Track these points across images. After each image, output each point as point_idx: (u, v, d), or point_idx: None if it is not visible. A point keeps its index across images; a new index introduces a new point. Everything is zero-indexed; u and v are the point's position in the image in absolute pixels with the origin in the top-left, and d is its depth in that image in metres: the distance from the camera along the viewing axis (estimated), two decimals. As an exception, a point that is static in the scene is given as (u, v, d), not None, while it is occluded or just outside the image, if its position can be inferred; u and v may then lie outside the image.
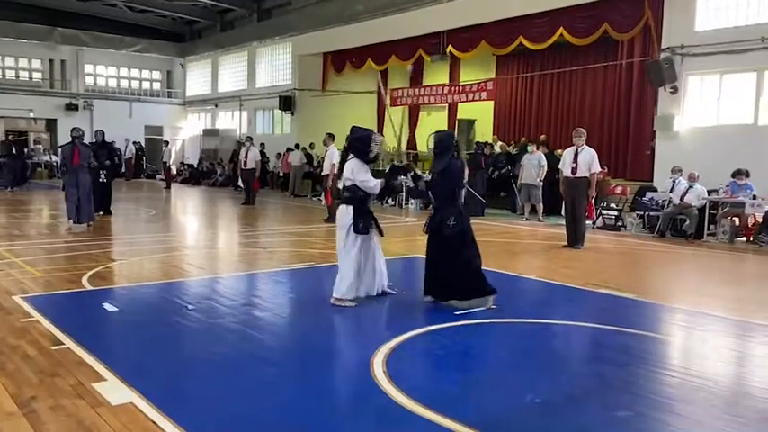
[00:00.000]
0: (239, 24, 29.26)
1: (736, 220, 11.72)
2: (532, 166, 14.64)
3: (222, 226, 14.02)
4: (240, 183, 19.80)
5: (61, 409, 3.62)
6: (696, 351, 5.27)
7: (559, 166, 10.93)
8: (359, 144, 6.15)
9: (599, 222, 13.43)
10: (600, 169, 11.09)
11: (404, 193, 13.82)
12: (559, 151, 14.72)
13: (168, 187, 23.57)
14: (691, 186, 12.12)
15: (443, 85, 21.42)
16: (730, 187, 11.94)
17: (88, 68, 30.69)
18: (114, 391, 3.90)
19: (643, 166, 16.04)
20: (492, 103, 22.24)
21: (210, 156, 27.79)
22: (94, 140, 14.39)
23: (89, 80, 30.74)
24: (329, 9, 22.66)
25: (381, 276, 6.42)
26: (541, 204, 14.68)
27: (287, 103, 24.23)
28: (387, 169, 6.63)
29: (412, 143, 23.81)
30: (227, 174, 25.04)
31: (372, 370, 4.35)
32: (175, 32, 32.34)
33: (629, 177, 16.60)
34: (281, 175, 23.13)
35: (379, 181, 6.12)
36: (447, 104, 22.50)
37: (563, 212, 11.54)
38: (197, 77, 31.89)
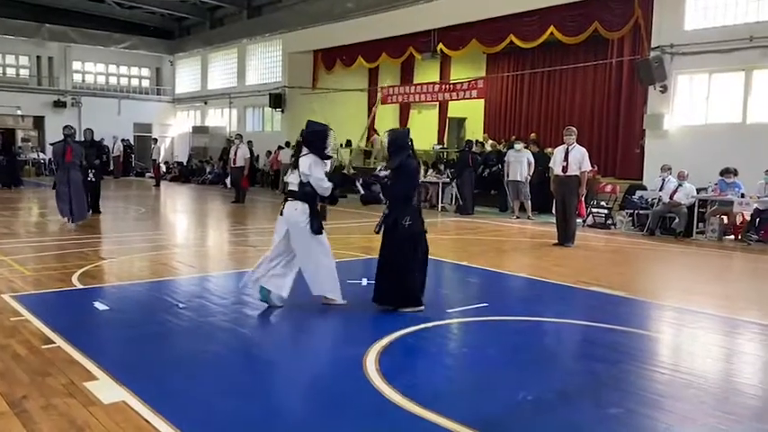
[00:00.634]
0: (229, 21, 29.14)
1: (725, 219, 11.81)
2: (519, 163, 14.67)
3: (212, 224, 13.98)
4: (227, 181, 19.75)
5: (53, 409, 3.61)
6: (685, 348, 5.31)
7: (550, 165, 10.97)
8: (316, 139, 5.86)
9: (589, 220, 13.49)
10: (590, 168, 11.14)
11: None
12: (550, 149, 14.77)
13: (157, 185, 23.46)
14: (680, 185, 12.20)
15: (434, 84, 21.46)
16: (719, 186, 12.03)
17: (76, 65, 30.47)
18: (106, 389, 3.89)
19: (633, 164, 16.13)
20: (482, 101, 22.31)
21: (200, 153, 27.68)
22: (83, 139, 14.29)
23: (77, 77, 30.52)
24: (319, 6, 22.61)
25: (291, 282, 5.94)
26: (529, 201, 14.72)
27: (277, 100, 24.17)
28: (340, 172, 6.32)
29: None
30: (216, 172, 24.95)
31: (365, 368, 4.35)
32: (165, 29, 32.15)
33: (619, 176, 16.70)
34: (271, 172, 23.08)
35: (330, 184, 5.84)
36: (437, 103, 22.53)
37: (554, 211, 11.59)
38: (186, 75, 31.73)
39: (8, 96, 27.43)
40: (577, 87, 19.56)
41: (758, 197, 11.49)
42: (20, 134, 29.26)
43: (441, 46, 19.14)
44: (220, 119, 29.12)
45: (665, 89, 14.22)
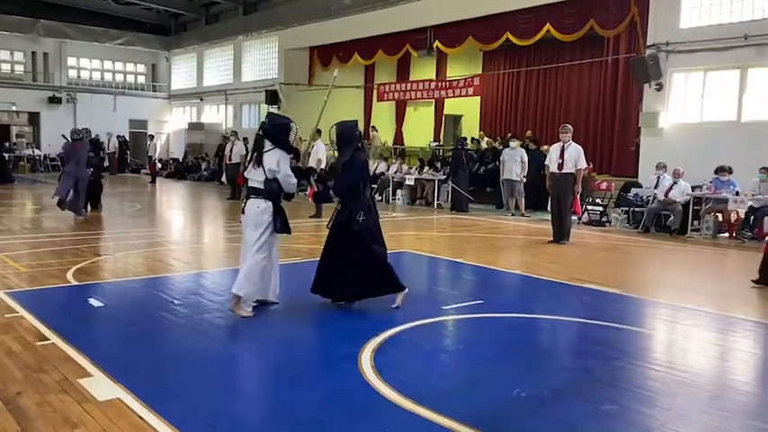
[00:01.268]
0: (225, 18, 29.07)
1: (720, 216, 11.85)
2: (514, 161, 14.69)
3: (208, 221, 13.96)
4: (223, 177, 19.72)
5: (47, 405, 3.60)
6: (680, 345, 5.33)
7: (546, 162, 10.98)
8: (278, 133, 5.54)
9: (584, 218, 13.51)
10: (586, 165, 11.16)
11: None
12: (546, 147, 14.79)
13: (153, 182, 23.41)
14: (675, 182, 12.24)
15: (430, 81, 21.44)
16: (714, 183, 12.06)
17: (71, 61, 30.32)
18: (101, 386, 3.88)
19: (628, 162, 16.15)
20: (478, 98, 22.30)
21: (196, 150, 27.62)
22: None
23: (72, 73, 30.38)
24: (316, 3, 22.57)
25: (277, 280, 5.84)
26: (523, 199, 14.74)
27: (273, 97, 24.12)
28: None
29: (399, 138, 23.85)
30: (212, 168, 24.91)
31: (360, 365, 4.36)
32: (160, 25, 32.05)
33: (615, 173, 16.72)
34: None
35: (296, 180, 5.57)
36: (434, 100, 22.53)
37: (549, 208, 11.61)
38: (182, 71, 31.64)
39: (3, 92, 27.31)
40: (573, 85, 19.58)
41: (753, 195, 11.52)
42: (14, 130, 29.14)
43: (437, 43, 19.14)
44: (216, 115, 29.06)
45: (660, 87, 14.24)
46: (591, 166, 14.56)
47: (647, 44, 14.36)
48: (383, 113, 24.44)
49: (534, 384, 4.11)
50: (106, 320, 5.57)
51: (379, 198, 18.04)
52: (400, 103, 23.63)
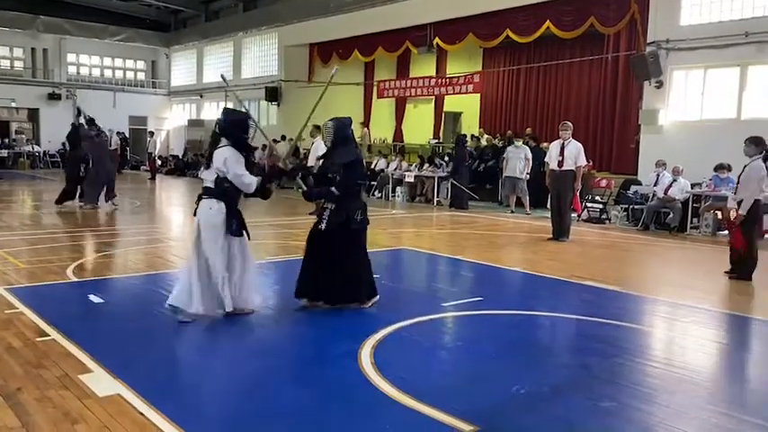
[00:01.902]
0: (225, 14, 29.04)
1: (719, 214, 11.84)
2: (518, 159, 14.69)
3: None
4: None
5: (47, 401, 3.61)
6: (679, 342, 5.34)
7: (545, 159, 10.99)
8: (235, 129, 5.15)
9: (584, 215, 13.52)
10: (586, 163, 11.16)
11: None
12: (545, 144, 14.79)
13: (153, 179, 23.41)
14: (674, 180, 12.24)
15: (430, 78, 21.43)
16: (713, 181, 12.06)
17: (71, 57, 30.29)
18: (101, 382, 3.89)
19: (628, 159, 16.17)
20: (478, 95, 22.32)
21: (195, 147, 27.60)
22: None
23: (72, 69, 30.34)
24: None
25: (242, 290, 5.28)
26: (527, 197, 14.75)
27: (273, 94, 24.11)
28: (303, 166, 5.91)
29: (399, 135, 23.84)
30: (212, 165, 24.84)
31: (360, 361, 4.37)
32: (160, 22, 32.01)
33: (614, 171, 16.73)
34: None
35: (255, 179, 5.15)
36: (433, 97, 22.53)
37: (548, 205, 11.61)
38: (182, 67, 31.60)
39: (3, 88, 27.28)
40: (573, 82, 19.58)
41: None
42: (14, 126, 29.13)
43: (437, 40, 19.13)
44: (216, 112, 29.00)
45: (660, 84, 14.24)
46: (591, 163, 14.57)
47: (648, 41, 14.35)
48: (383, 110, 24.44)
49: (533, 381, 4.12)
50: (106, 317, 5.57)
51: (379, 195, 18.06)
52: (400, 101, 23.64)
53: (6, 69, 29.00)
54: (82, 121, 14.34)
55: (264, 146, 7.69)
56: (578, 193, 11.58)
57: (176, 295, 5.16)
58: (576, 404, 3.81)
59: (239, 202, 5.25)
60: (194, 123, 29.01)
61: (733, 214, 7.76)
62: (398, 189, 17.58)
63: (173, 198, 18.54)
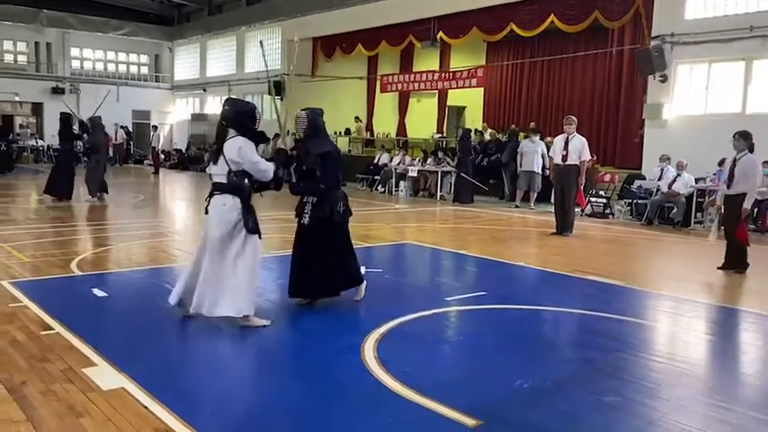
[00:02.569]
0: (228, 8, 28.98)
1: (721, 209, 11.80)
2: (534, 153, 14.59)
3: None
4: None
5: (52, 394, 3.62)
6: (682, 337, 5.33)
7: (549, 154, 10.97)
8: (242, 119, 4.92)
9: (587, 210, 13.50)
10: (590, 157, 11.13)
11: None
12: (550, 139, 14.75)
13: (156, 173, 23.44)
14: (679, 174, 12.21)
15: (433, 72, 21.38)
16: (717, 176, 12.02)
17: (74, 52, 30.28)
18: (105, 376, 3.90)
19: (632, 154, 16.12)
20: (482, 89, 22.25)
21: (199, 141, 27.60)
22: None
23: (75, 63, 30.35)
24: (319, -7, 22.52)
25: (205, 293, 4.88)
26: (536, 193, 14.71)
27: (276, 88, 24.07)
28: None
29: (402, 130, 23.81)
30: (215, 159, 24.85)
31: (363, 356, 4.37)
32: (163, 16, 31.98)
33: (618, 165, 16.69)
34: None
35: (271, 165, 4.95)
36: (437, 91, 22.47)
37: (552, 200, 11.59)
38: (185, 62, 31.58)
39: (6, 83, 27.29)
40: (577, 76, 19.50)
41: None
42: (18, 120, 29.16)
43: (441, 34, 19.07)
44: (219, 106, 28.90)
45: (664, 79, 14.18)
46: (595, 157, 14.53)
47: (652, 35, 14.29)
48: (386, 105, 24.40)
49: (537, 376, 4.12)
50: (110, 310, 5.59)
51: (382, 190, 18.05)
52: (403, 95, 23.59)
53: (10, 63, 29.01)
54: (76, 127, 14.50)
55: (277, 135, 7.57)
56: (582, 188, 11.55)
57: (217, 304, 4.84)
58: (580, 398, 3.81)
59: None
60: (198, 117, 28.99)
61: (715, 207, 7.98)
62: (402, 184, 17.58)
63: (176, 192, 18.56)
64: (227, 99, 5.17)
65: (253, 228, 4.86)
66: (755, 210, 11.42)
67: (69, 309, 5.44)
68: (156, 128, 25.88)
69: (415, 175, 17.30)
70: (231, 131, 4.87)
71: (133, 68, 32.31)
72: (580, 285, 7.00)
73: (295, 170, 5.47)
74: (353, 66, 23.59)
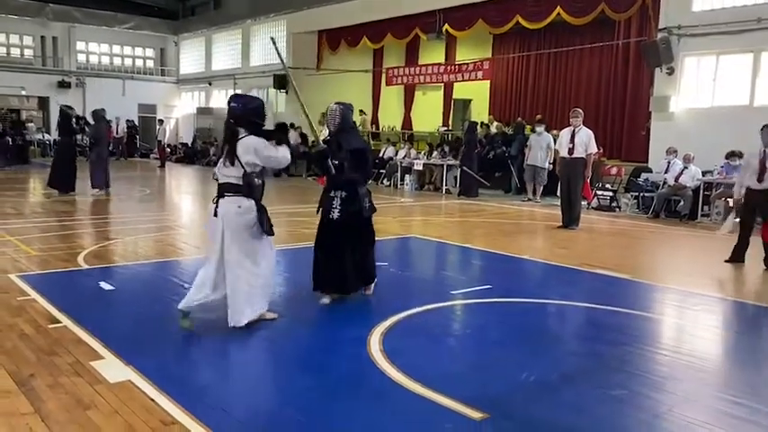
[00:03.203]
0: (233, 2, 28.93)
1: (730, 202, 11.76)
2: (540, 147, 14.55)
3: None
4: None
5: (60, 387, 3.64)
6: (689, 330, 5.32)
7: (556, 147, 10.93)
8: (253, 116, 4.73)
9: (594, 203, 13.46)
10: (596, 150, 11.09)
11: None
12: (556, 131, 14.70)
13: (162, 166, 23.49)
14: (685, 167, 12.16)
15: (439, 65, 21.32)
16: (724, 169, 11.97)
17: (80, 45, 30.35)
18: (112, 369, 3.92)
19: (638, 146, 16.05)
20: (488, 82, 22.17)
21: (205, 135, 27.64)
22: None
23: (81, 57, 30.42)
24: (324, -14, 22.46)
25: (238, 304, 4.75)
26: (542, 186, 14.67)
27: (281, 81, 24.05)
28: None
29: (407, 123, 23.77)
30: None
31: (369, 349, 4.38)
32: (169, 9, 31.99)
33: (625, 158, 16.62)
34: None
35: (284, 149, 4.80)
36: (442, 84, 22.42)
37: (558, 193, 11.56)
38: (190, 55, 31.61)
39: (12, 77, 27.37)
40: (584, 69, 19.42)
41: (764, 180, 11.41)
42: (24, 115, 29.23)
43: (446, 26, 19.00)
44: (225, 100, 28.98)
45: (671, 71, 14.10)
46: (601, 150, 14.48)
47: (659, 27, 14.20)
48: (392, 98, 24.36)
49: (543, 369, 4.12)
50: (117, 304, 5.62)
51: (388, 183, 18.04)
52: (409, 88, 23.54)
53: (16, 57, 29.09)
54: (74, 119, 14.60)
55: (293, 125, 7.51)
56: (589, 181, 11.52)
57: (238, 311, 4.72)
58: (586, 392, 3.81)
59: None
60: (203, 111, 29.02)
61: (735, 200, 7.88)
62: (407, 177, 17.55)
63: (182, 186, 18.60)
64: (232, 95, 5.04)
65: (269, 229, 4.78)
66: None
67: (76, 302, 5.47)
68: (162, 121, 25.91)
69: (421, 168, 17.28)
70: (241, 131, 4.69)
71: (139, 62, 32.36)
72: (586, 279, 6.98)
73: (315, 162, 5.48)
74: (359, 59, 23.54)
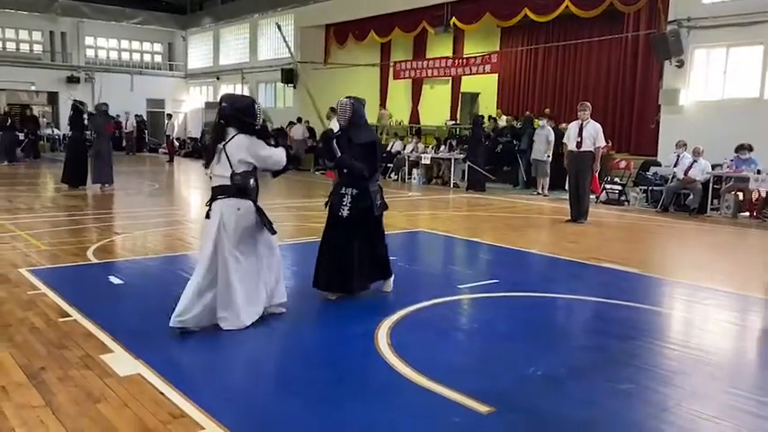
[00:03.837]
0: (240, -4, 28.98)
1: (740, 195, 11.70)
2: (541, 141, 14.55)
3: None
4: None
5: (70, 380, 3.68)
6: (697, 325, 5.30)
7: (564, 140, 10.89)
8: (243, 115, 4.61)
9: (602, 197, 13.42)
10: (605, 143, 11.04)
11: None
12: (564, 125, 14.65)
13: (171, 161, 23.57)
14: (695, 161, 12.09)
15: (447, 58, 21.25)
16: (734, 162, 11.90)
17: (89, 41, 30.43)
18: (122, 362, 3.95)
19: (647, 140, 15.97)
20: (496, 76, 22.10)
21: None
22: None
23: (90, 52, 30.51)
24: (331, -20, 22.41)
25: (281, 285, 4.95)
26: (547, 179, 14.66)
27: (289, 76, 24.06)
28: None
29: (415, 117, 23.73)
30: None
31: (376, 343, 4.39)
32: (177, 4, 32.00)
33: (634, 152, 16.55)
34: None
35: (281, 150, 4.76)
36: (450, 78, 22.36)
37: (566, 187, 11.53)
38: (199, 50, 31.66)
39: (22, 72, 27.49)
40: (592, 62, 19.32)
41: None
42: (34, 110, 29.33)
43: (454, 20, 18.92)
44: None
45: (681, 64, 14.00)
46: (609, 144, 14.42)
47: (668, 20, 14.10)
48: (399, 91, 24.32)
49: (550, 363, 4.12)
50: (126, 297, 5.65)
51: (395, 177, 18.04)
52: (416, 81, 23.50)
53: (25, 53, 29.21)
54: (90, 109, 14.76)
55: (292, 123, 7.55)
56: (597, 175, 11.47)
57: (227, 318, 4.64)
58: (594, 386, 3.81)
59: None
60: (211, 106, 29.02)
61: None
62: (415, 171, 17.54)
63: (191, 180, 18.65)
64: (222, 95, 4.96)
65: (272, 229, 4.74)
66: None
67: (86, 296, 5.51)
68: (170, 116, 25.99)
69: (428, 162, 17.26)
70: (231, 130, 4.61)
71: (147, 57, 32.43)
72: (595, 273, 6.97)
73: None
74: (366, 53, 23.51)
